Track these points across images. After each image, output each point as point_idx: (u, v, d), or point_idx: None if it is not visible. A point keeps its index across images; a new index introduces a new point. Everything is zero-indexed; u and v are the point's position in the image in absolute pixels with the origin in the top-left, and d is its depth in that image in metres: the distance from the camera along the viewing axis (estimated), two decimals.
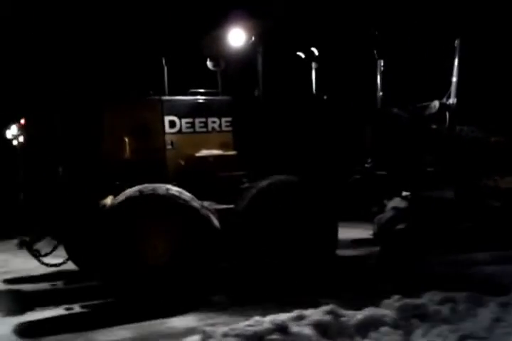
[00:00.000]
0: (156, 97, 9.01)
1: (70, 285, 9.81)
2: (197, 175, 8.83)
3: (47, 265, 8.82)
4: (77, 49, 17.45)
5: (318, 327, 6.22)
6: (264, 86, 9.45)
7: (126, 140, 8.55)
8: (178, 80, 10.19)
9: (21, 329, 7.59)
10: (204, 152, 8.99)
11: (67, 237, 8.85)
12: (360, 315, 6.46)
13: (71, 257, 9.38)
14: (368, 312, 6.56)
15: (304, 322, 6.31)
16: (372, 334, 6.21)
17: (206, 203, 8.42)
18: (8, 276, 10.61)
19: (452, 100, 10.27)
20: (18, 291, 9.65)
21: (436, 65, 11.72)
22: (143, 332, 7.17)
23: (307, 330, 6.13)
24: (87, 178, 8.43)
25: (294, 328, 6.14)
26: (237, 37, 9.42)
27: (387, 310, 6.68)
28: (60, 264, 9.00)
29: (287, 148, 9.40)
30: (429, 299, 6.96)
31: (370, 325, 6.33)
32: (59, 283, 9.97)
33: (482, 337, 5.97)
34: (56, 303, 8.60)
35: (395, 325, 6.34)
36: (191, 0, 15.08)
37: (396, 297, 6.93)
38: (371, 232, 10.30)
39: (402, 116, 10.38)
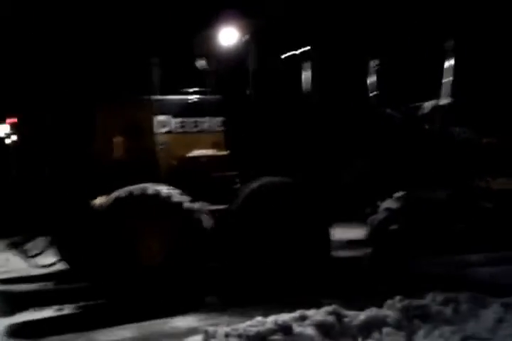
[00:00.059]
0: (147, 97, 8.91)
1: (62, 286, 9.74)
2: (189, 175, 8.77)
3: (38, 266, 8.71)
4: (69, 49, 17.37)
5: (321, 327, 6.20)
6: (256, 85, 9.41)
7: (117, 140, 8.49)
8: (169, 80, 10.10)
9: (14, 330, 7.56)
10: (196, 152, 8.94)
11: (59, 237, 8.76)
12: (362, 316, 6.43)
13: (63, 257, 9.27)
14: (370, 312, 6.52)
15: (306, 322, 6.29)
16: (375, 335, 6.18)
17: (199, 204, 8.34)
18: (6, 276, 10.49)
19: (445, 101, 10.23)
20: (8, 292, 9.55)
21: (429, 66, 11.69)
22: (144, 331, 7.16)
23: (310, 331, 6.12)
24: (78, 178, 8.39)
25: (297, 328, 6.13)
26: (228, 36, 9.41)
27: (389, 310, 6.64)
28: (51, 265, 8.90)
29: (279, 148, 9.32)
30: (431, 300, 6.89)
31: (372, 325, 6.29)
32: (49, 284, 9.89)
33: (485, 338, 5.94)
34: (47, 304, 8.54)
35: (397, 326, 6.31)
36: None
37: (398, 298, 6.88)
38: (364, 233, 10.23)
39: (395, 116, 10.34)
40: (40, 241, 8.62)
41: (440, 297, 6.93)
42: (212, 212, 8.47)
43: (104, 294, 7.97)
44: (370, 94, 10.09)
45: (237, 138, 9.22)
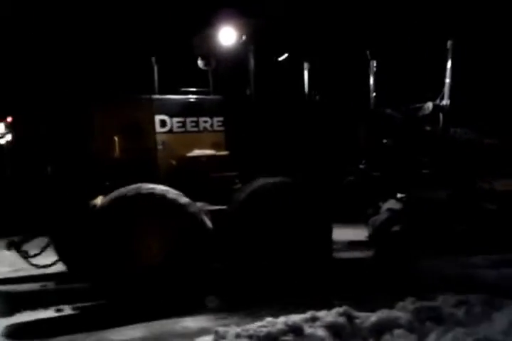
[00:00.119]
0: (147, 96, 8.85)
1: (61, 286, 9.65)
2: (189, 175, 8.70)
3: (36, 266, 8.65)
4: (67, 48, 17.34)
5: (332, 328, 6.18)
6: (256, 85, 9.36)
7: (117, 139, 8.42)
8: (169, 79, 10.04)
9: (13, 331, 7.50)
10: (196, 152, 8.87)
11: (57, 238, 8.69)
12: (374, 317, 6.38)
13: (61, 258, 9.17)
14: (381, 314, 6.46)
15: (317, 323, 6.27)
16: (386, 337, 6.12)
17: (199, 204, 8.29)
18: (4, 276, 10.41)
19: (446, 101, 10.20)
20: (7, 292, 9.46)
21: (429, 66, 11.67)
22: (154, 331, 7.10)
23: (320, 332, 6.10)
24: (76, 178, 8.32)
25: (308, 330, 6.10)
26: (228, 36, 9.37)
27: (401, 312, 6.58)
28: (49, 265, 8.82)
29: (280, 148, 9.27)
30: (443, 302, 6.84)
31: (384, 327, 6.23)
32: (49, 284, 9.80)
33: None
34: (46, 304, 8.45)
35: (409, 328, 6.23)
36: None
37: (410, 299, 6.84)
38: (366, 234, 10.18)
39: (395, 116, 10.31)
40: (39, 241, 8.54)
41: (452, 299, 6.89)
42: (212, 212, 8.40)
43: (103, 295, 7.88)
44: (371, 95, 10.01)
45: (237, 138, 9.16)
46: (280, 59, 9.96)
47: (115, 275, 7.67)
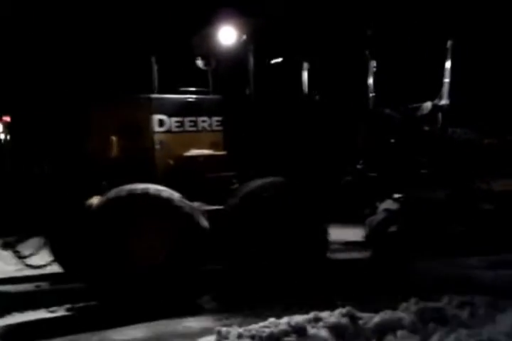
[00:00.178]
0: (145, 96, 8.87)
1: (56, 287, 9.63)
2: (186, 175, 8.70)
3: (31, 267, 8.65)
4: (65, 47, 17.34)
5: (335, 329, 6.17)
6: (255, 85, 9.33)
7: (114, 139, 8.45)
8: (169, 79, 10.05)
9: (6, 332, 7.50)
10: (193, 152, 8.88)
11: (53, 238, 8.71)
12: (377, 318, 6.36)
13: (57, 258, 9.20)
14: (385, 315, 6.44)
15: (320, 324, 6.27)
16: (390, 338, 6.11)
17: (195, 204, 8.29)
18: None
19: (445, 101, 10.17)
20: (1, 292, 9.44)
21: (428, 66, 11.64)
22: (157, 331, 7.11)
23: (323, 333, 6.10)
24: (73, 178, 8.31)
25: (311, 330, 6.11)
26: (228, 35, 9.34)
27: (404, 313, 6.55)
28: (44, 266, 8.83)
29: (278, 148, 9.27)
30: (447, 303, 6.82)
31: (387, 328, 6.22)
32: (43, 284, 9.79)
33: None
34: (40, 305, 8.45)
35: (412, 329, 6.21)
36: None
37: (413, 300, 6.80)
38: (363, 234, 10.18)
39: (394, 116, 10.29)
40: (34, 242, 8.54)
41: (456, 300, 6.85)
42: (209, 213, 8.39)
43: (98, 295, 7.90)
44: (369, 95, 10.00)
45: (236, 137, 9.16)
46: (273, 62, 9.98)
47: (110, 275, 7.66)
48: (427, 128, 10.41)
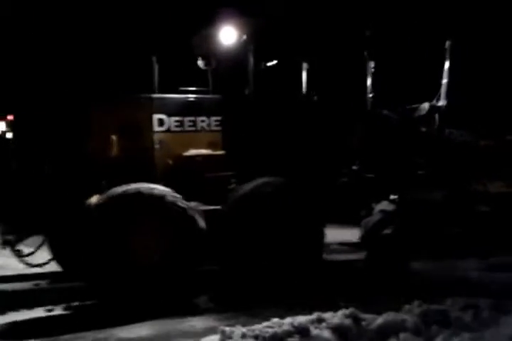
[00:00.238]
0: (145, 95, 8.90)
1: (55, 285, 9.66)
2: (185, 174, 8.72)
3: (31, 265, 8.67)
4: (66, 47, 17.32)
5: (338, 330, 6.18)
6: (255, 85, 9.35)
7: (114, 138, 8.46)
8: (169, 79, 10.08)
9: (5, 331, 7.50)
10: (192, 151, 8.89)
11: (53, 236, 8.73)
12: (380, 320, 6.36)
13: (56, 257, 9.24)
14: (388, 316, 6.43)
15: (323, 325, 6.28)
16: (392, 340, 6.11)
17: (193, 204, 8.31)
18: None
19: (442, 102, 10.20)
20: (1, 291, 9.43)
21: (426, 67, 11.67)
22: (161, 330, 7.13)
23: (326, 333, 6.11)
24: (73, 177, 8.32)
25: (314, 331, 6.13)
26: (228, 35, 9.35)
27: (407, 315, 6.55)
28: (43, 264, 8.85)
29: (276, 148, 9.29)
30: (450, 305, 6.82)
31: (390, 330, 6.21)
32: (42, 283, 9.82)
33: None
34: (39, 303, 8.45)
35: (415, 331, 6.20)
36: None
37: (417, 302, 6.81)
38: (358, 236, 10.20)
39: (391, 117, 10.30)
40: (33, 240, 8.53)
41: (460, 302, 6.86)
42: (207, 213, 8.42)
43: (98, 294, 7.94)
44: (367, 96, 10.03)
45: (234, 137, 9.19)
46: (269, 64, 10.01)
47: (109, 274, 7.70)
48: (424, 129, 10.43)
